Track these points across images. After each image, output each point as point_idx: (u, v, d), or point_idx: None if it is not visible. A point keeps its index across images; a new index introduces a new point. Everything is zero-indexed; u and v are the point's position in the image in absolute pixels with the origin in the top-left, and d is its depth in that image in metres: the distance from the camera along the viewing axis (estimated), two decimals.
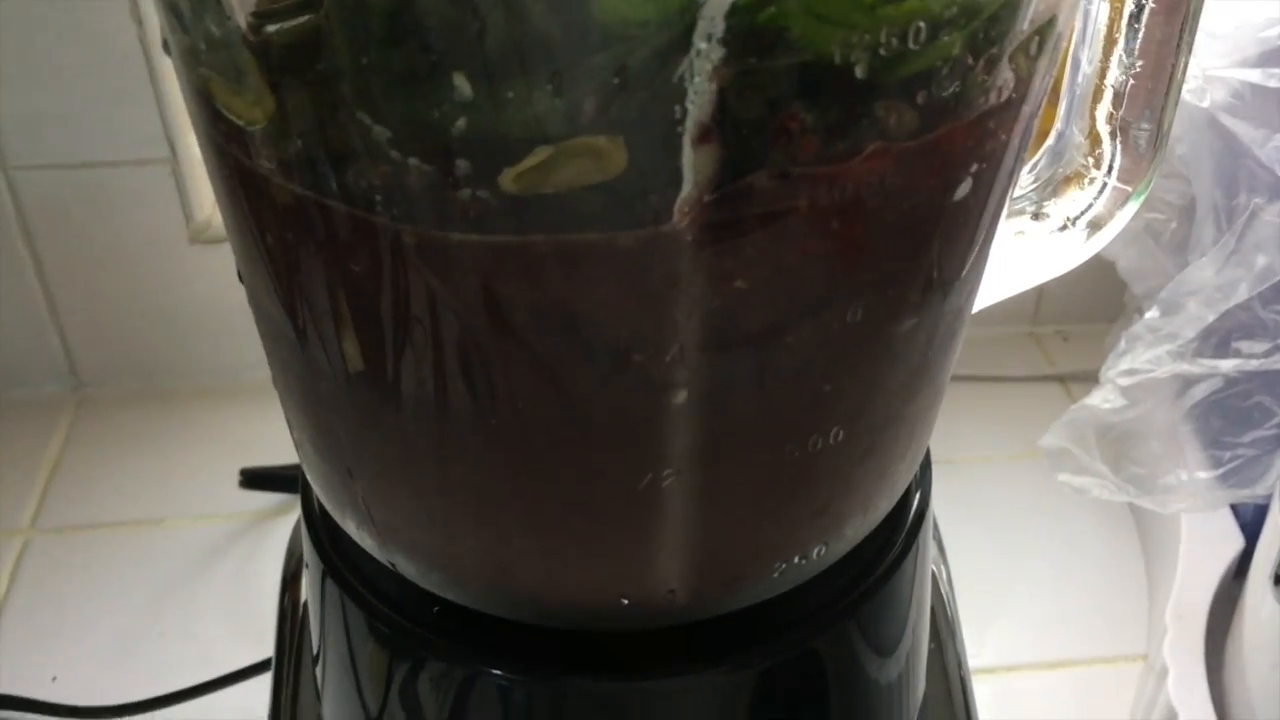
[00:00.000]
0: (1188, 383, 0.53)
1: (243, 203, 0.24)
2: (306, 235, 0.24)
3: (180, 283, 0.69)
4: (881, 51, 0.21)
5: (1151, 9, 0.30)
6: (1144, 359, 0.52)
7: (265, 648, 0.54)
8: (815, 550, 0.28)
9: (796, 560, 0.28)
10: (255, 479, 0.62)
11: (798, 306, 0.24)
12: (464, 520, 0.27)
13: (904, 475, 0.30)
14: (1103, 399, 0.55)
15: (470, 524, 0.27)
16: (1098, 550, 0.64)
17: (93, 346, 0.71)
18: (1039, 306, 0.77)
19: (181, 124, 0.63)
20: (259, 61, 0.22)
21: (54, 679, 0.57)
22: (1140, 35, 0.31)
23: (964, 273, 0.26)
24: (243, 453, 0.65)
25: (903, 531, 0.32)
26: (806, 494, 0.27)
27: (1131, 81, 0.32)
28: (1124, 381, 0.53)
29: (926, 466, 0.34)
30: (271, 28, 0.22)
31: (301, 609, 0.43)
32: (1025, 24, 0.23)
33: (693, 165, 0.22)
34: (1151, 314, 0.52)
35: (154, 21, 0.60)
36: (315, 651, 0.36)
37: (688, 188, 0.22)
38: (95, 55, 0.61)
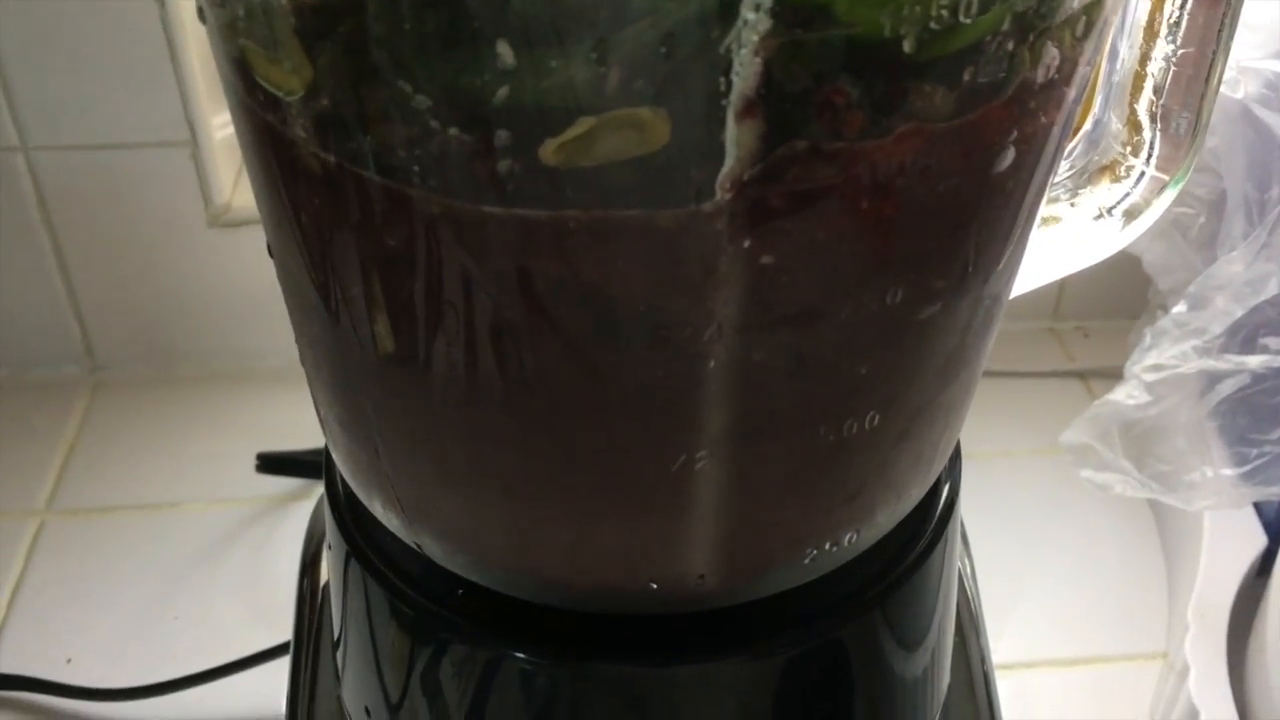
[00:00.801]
0: (1214, 379, 0.52)
1: (276, 175, 0.24)
2: (340, 207, 0.23)
3: (198, 266, 0.69)
4: (931, 24, 0.21)
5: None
6: (1170, 354, 0.52)
7: (280, 632, 0.54)
8: (846, 537, 0.28)
9: (827, 546, 0.28)
10: (272, 463, 0.62)
11: (836, 288, 0.24)
12: (492, 501, 0.27)
13: (937, 463, 0.30)
14: (1127, 394, 0.54)
15: (499, 505, 0.27)
16: (1117, 546, 0.64)
17: (110, 329, 0.71)
18: (1060, 302, 0.76)
19: (202, 106, 0.63)
20: (298, 28, 0.21)
21: (69, 661, 0.57)
22: (1184, 23, 0.30)
23: (1003, 257, 0.26)
24: (259, 437, 0.65)
25: (932, 521, 0.32)
26: (840, 479, 0.27)
27: (1174, 69, 0.31)
28: (1149, 377, 0.53)
29: (957, 456, 0.33)
30: None
31: (321, 593, 0.43)
32: (1075, 2, 0.23)
33: (735, 139, 0.21)
34: (1179, 309, 0.51)
35: (176, 3, 0.60)
36: (336, 634, 0.35)
37: (730, 163, 0.21)
38: (116, 37, 0.60)
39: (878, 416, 0.26)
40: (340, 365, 0.26)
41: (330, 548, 0.33)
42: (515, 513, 0.27)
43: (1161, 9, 0.31)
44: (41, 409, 0.70)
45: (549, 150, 0.21)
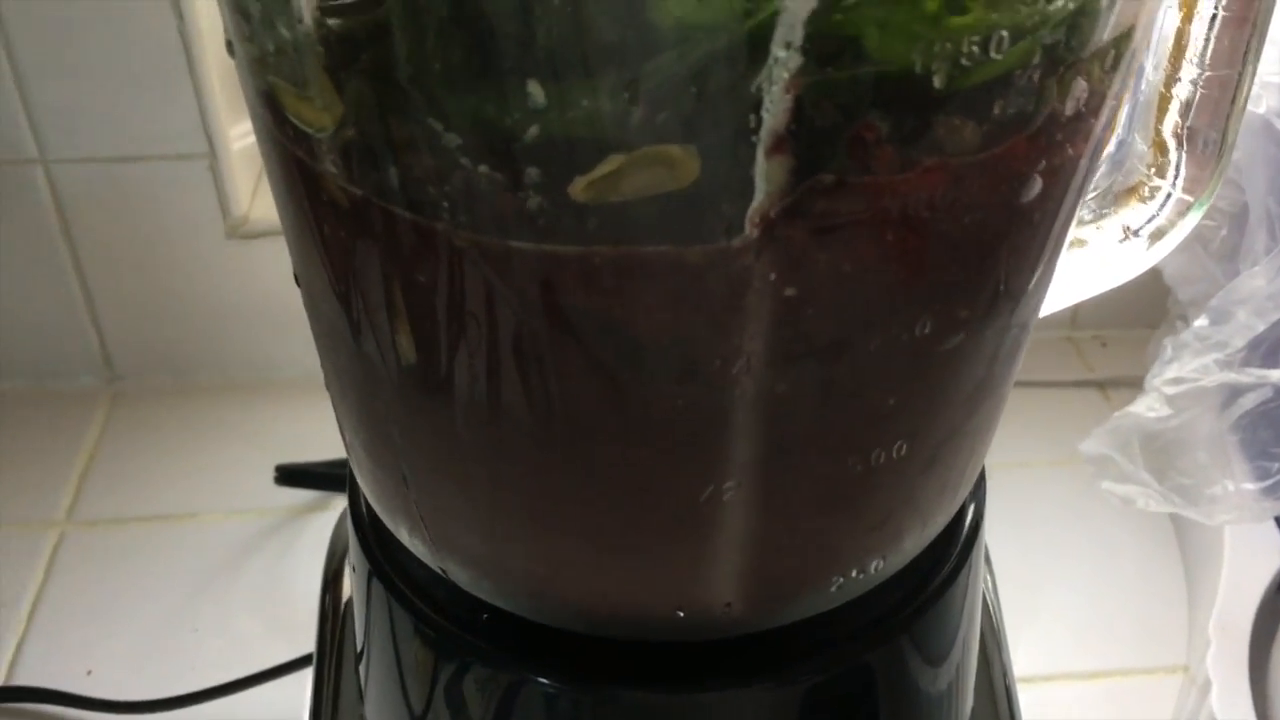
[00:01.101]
0: (1235, 392, 0.52)
1: (305, 206, 0.24)
2: (368, 240, 0.23)
3: (216, 277, 0.69)
4: (962, 60, 0.21)
5: (1224, 17, 0.30)
6: (1191, 367, 0.52)
7: (298, 645, 0.54)
8: (873, 564, 0.28)
9: (854, 574, 0.28)
10: (291, 476, 0.62)
11: (864, 319, 0.24)
12: (520, 529, 0.27)
13: (964, 488, 0.30)
14: (1147, 407, 0.54)
15: (526, 533, 0.27)
16: (1137, 558, 0.63)
17: (128, 340, 0.71)
18: (1077, 312, 0.76)
19: (220, 118, 0.63)
20: (327, 65, 0.21)
21: (89, 673, 0.57)
22: (1211, 45, 0.30)
23: (1031, 285, 0.26)
24: (277, 448, 0.65)
25: (958, 544, 0.32)
26: (867, 507, 0.27)
27: (1200, 91, 0.31)
28: (1170, 390, 0.53)
29: (981, 479, 0.33)
30: (337, 20, 0.21)
31: (343, 609, 0.43)
32: (1105, 35, 0.23)
33: (765, 175, 0.21)
34: (1200, 322, 0.51)
35: (194, 15, 0.60)
36: (359, 651, 0.35)
37: (759, 197, 0.21)
38: (134, 49, 0.60)
39: (905, 445, 0.26)
40: (367, 393, 0.26)
41: (354, 568, 0.33)
42: (542, 541, 0.27)
43: (1188, 32, 0.30)
44: (60, 420, 0.70)
45: (578, 187, 0.21)
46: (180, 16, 0.60)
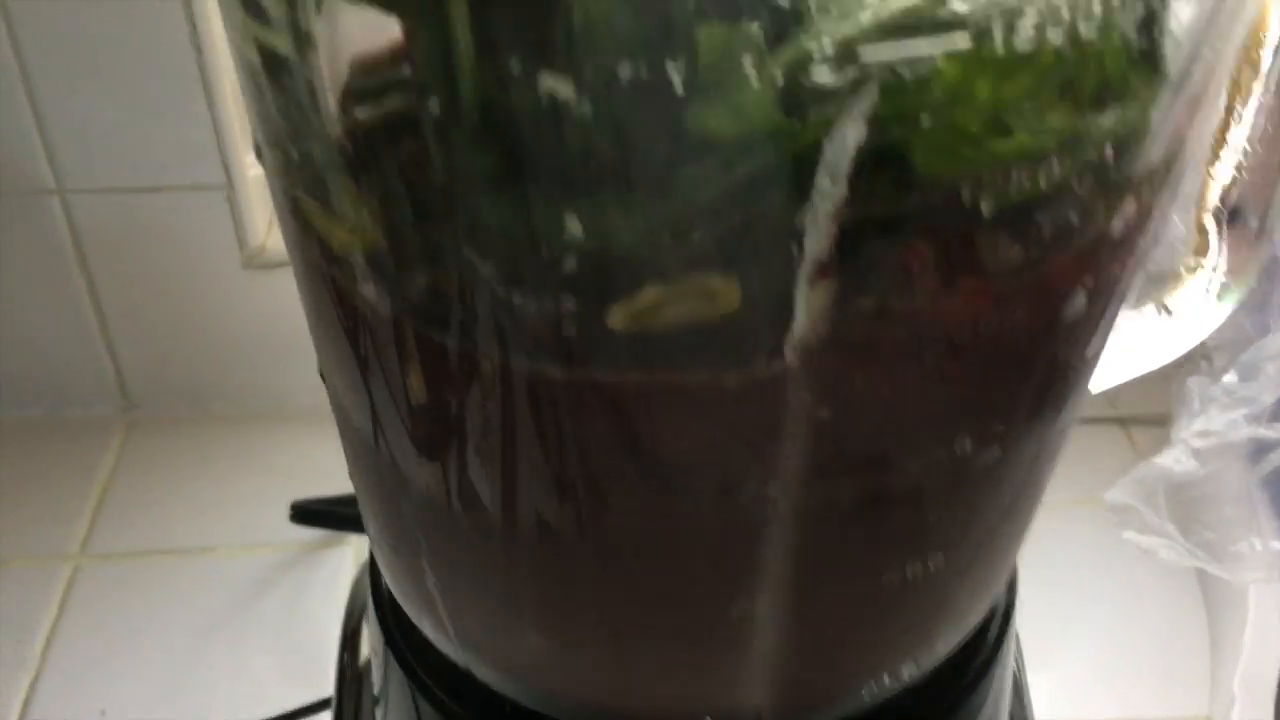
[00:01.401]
0: (1263, 448, 0.51)
1: (330, 312, 0.24)
2: (396, 354, 0.23)
3: (232, 307, 0.68)
4: (1010, 189, 0.20)
5: (1269, 104, 0.29)
6: (1219, 422, 0.51)
7: (315, 687, 0.54)
8: (906, 670, 0.27)
9: (885, 680, 0.27)
10: (306, 515, 0.62)
11: (902, 439, 0.23)
12: (547, 638, 0.26)
13: (996, 587, 0.29)
14: (1174, 459, 0.53)
15: (554, 642, 0.26)
16: (1158, 603, 0.63)
17: (144, 368, 0.71)
18: None
19: (237, 149, 0.63)
20: (354, 179, 0.21)
21: (103, 713, 0.56)
22: (1254, 131, 0.30)
23: (1071, 394, 0.25)
24: (294, 479, 0.65)
25: (989, 639, 0.31)
26: (901, 617, 0.26)
27: (1243, 177, 0.30)
28: (1197, 443, 0.52)
29: (1013, 573, 0.32)
30: (363, 133, 0.21)
31: (361, 667, 0.43)
32: (1156, 156, 0.22)
33: (807, 301, 0.21)
34: (1229, 377, 0.50)
35: (212, 47, 0.59)
36: None
37: (800, 324, 0.21)
38: (151, 80, 0.60)
39: (941, 556, 0.25)
40: (393, 501, 0.26)
41: (375, 654, 0.33)
42: (571, 648, 0.26)
43: (1230, 120, 0.30)
44: (76, 448, 0.70)
45: (617, 317, 0.20)
46: (198, 49, 0.59)
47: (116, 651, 0.59)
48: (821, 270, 0.20)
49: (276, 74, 0.21)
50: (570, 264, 0.20)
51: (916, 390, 0.22)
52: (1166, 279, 0.33)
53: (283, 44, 0.20)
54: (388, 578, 0.30)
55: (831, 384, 0.22)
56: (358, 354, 0.24)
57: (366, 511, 0.28)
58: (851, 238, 0.20)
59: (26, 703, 0.57)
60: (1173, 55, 0.21)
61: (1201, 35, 0.21)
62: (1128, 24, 0.20)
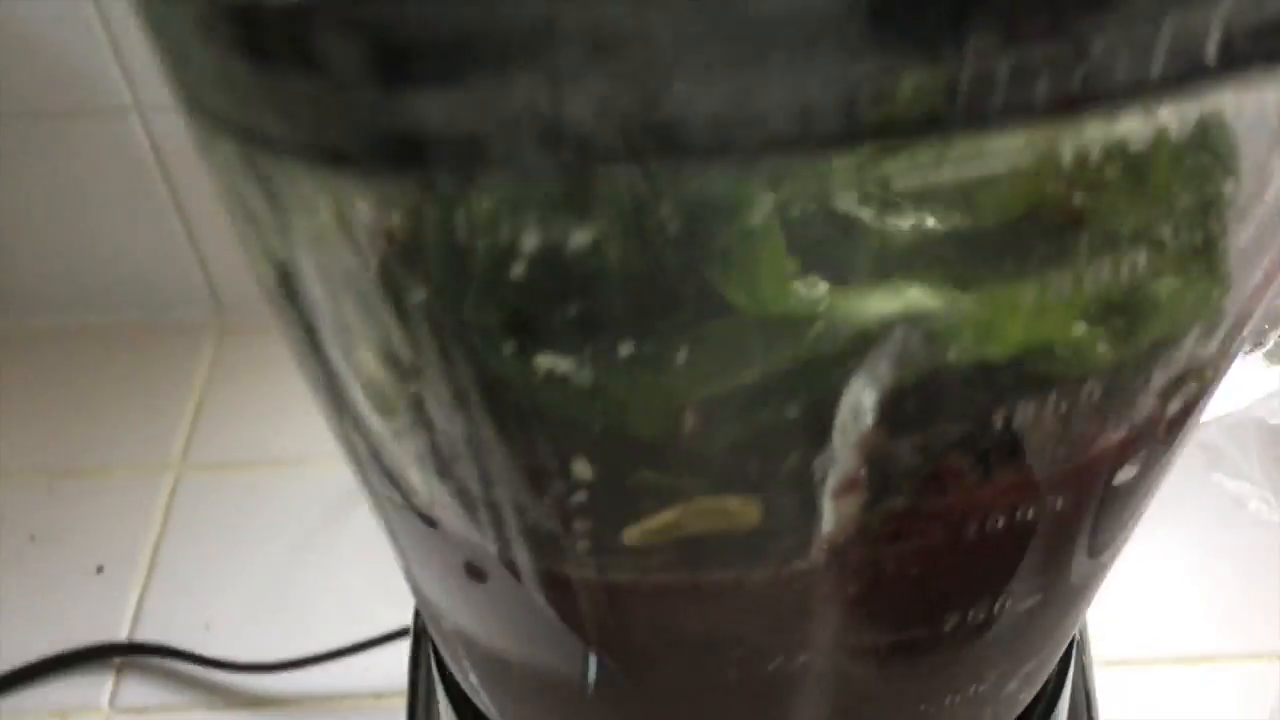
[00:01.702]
0: None
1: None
2: (428, 539, 0.23)
3: None
4: (1048, 406, 0.19)
5: None
6: None
7: (402, 609, 0.55)
8: None
9: None
10: None
11: (940, 604, 0.23)
12: None
13: (1043, 680, 0.29)
14: (1269, 410, 0.51)
15: None
16: (1237, 539, 0.61)
17: (232, 276, 0.71)
18: None
19: None
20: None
21: (207, 626, 0.59)
22: None
23: (1115, 546, 0.24)
24: None
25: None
26: None
27: None
28: None
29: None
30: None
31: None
32: (1218, 341, 0.20)
33: (833, 513, 0.20)
34: None
35: None
36: None
37: (826, 529, 0.20)
38: None
39: (982, 686, 0.25)
40: (436, 627, 0.26)
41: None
42: None
43: None
44: (170, 354, 0.71)
45: (633, 535, 0.20)
46: None
47: (218, 565, 0.61)
48: (849, 485, 0.20)
49: None
50: (580, 497, 0.19)
51: (950, 567, 0.22)
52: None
53: None
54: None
55: (859, 571, 0.21)
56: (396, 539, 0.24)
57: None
58: (879, 461, 0.19)
59: (135, 617, 0.59)
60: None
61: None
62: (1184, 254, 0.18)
